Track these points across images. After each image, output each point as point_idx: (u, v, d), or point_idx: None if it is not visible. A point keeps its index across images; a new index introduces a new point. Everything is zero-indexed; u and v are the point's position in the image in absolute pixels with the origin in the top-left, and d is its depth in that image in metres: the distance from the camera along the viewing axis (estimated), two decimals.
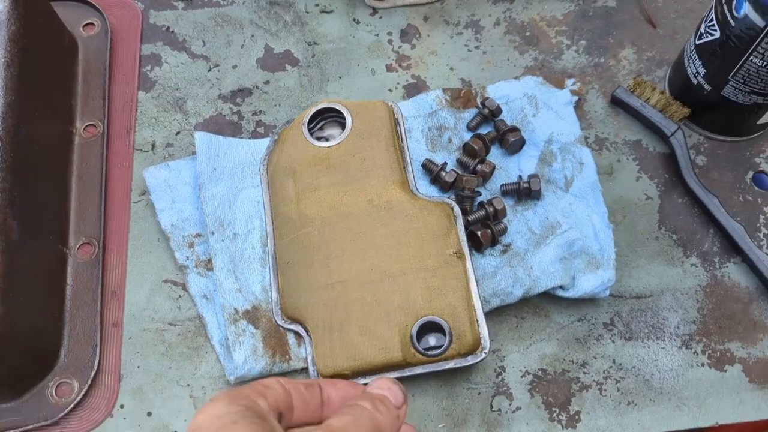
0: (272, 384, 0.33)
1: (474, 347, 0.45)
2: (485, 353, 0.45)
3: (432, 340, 0.45)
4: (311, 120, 0.52)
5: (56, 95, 0.54)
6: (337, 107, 0.51)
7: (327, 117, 0.53)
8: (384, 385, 0.35)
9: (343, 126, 0.51)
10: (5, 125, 0.45)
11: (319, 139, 0.51)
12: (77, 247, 0.50)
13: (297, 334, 0.47)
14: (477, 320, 0.45)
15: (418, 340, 0.45)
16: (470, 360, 0.45)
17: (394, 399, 0.35)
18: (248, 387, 0.32)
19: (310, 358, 0.46)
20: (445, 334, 0.45)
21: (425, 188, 0.52)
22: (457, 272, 0.46)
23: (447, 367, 0.45)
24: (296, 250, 0.48)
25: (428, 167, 0.52)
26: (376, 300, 0.45)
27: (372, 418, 0.33)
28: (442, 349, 0.44)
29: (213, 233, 0.49)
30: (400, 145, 0.51)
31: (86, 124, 0.54)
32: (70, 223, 0.51)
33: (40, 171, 0.49)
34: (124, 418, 0.46)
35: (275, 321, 0.47)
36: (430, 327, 0.45)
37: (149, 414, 0.46)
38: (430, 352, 0.44)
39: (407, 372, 0.45)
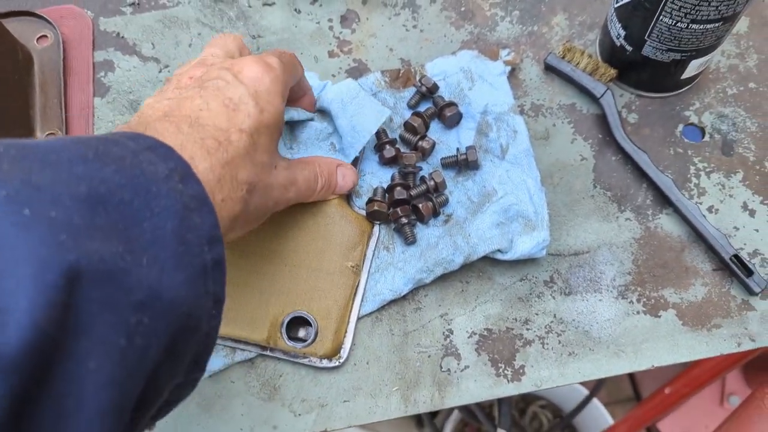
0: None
1: (332, 353, 0.49)
2: (339, 362, 0.49)
3: (302, 332, 0.50)
4: None
5: (15, 108, 0.57)
6: None
7: None
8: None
9: None
10: None
11: None
12: None
13: None
14: (345, 332, 0.50)
15: (292, 328, 0.49)
16: (324, 363, 0.49)
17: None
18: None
19: None
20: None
21: (367, 152, 0.55)
22: (346, 284, 0.50)
23: (301, 361, 0.49)
24: None
25: (378, 135, 0.55)
26: (268, 279, 0.49)
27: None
28: (305, 343, 0.49)
29: None
30: (361, 155, 0.55)
31: (46, 133, 0.57)
32: None
33: None
34: None
35: None
36: (304, 321, 0.49)
37: None
38: (293, 342, 0.49)
39: (268, 352, 0.49)
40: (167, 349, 0.29)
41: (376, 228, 0.52)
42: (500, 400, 1.09)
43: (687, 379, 0.74)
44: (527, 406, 1.41)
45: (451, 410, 1.24)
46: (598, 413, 1.22)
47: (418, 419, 1.27)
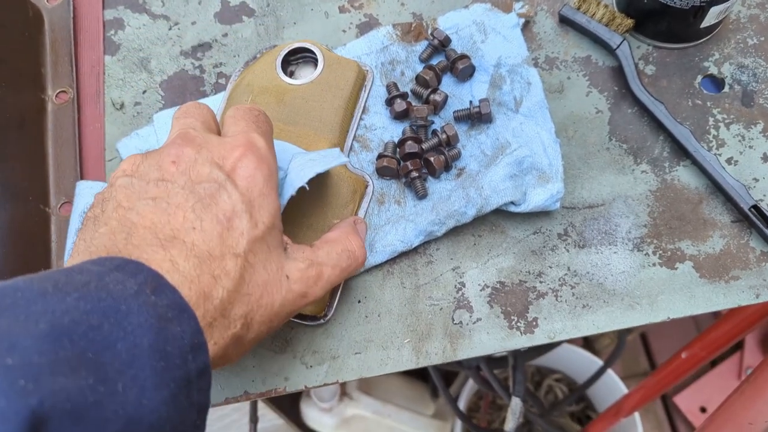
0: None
1: (319, 311, 0.49)
2: (324, 320, 0.49)
3: None
4: (292, 53, 0.54)
5: (26, 66, 0.57)
6: (316, 52, 0.53)
7: (306, 58, 0.55)
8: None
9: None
10: None
11: (291, 74, 0.54)
12: (59, 206, 0.54)
13: None
14: (334, 290, 0.49)
15: None
16: (309, 321, 0.49)
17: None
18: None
19: None
20: None
21: (379, 107, 0.54)
22: None
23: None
24: None
25: (390, 89, 0.54)
26: None
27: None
28: None
29: None
30: (354, 110, 0.53)
31: (58, 90, 0.57)
32: (50, 185, 0.54)
33: (17, 137, 0.52)
34: None
35: None
36: None
37: None
38: None
39: None
40: None
41: (369, 188, 0.52)
42: (515, 369, 1.09)
43: (704, 342, 0.73)
44: (543, 379, 1.41)
45: (465, 380, 1.24)
46: (614, 384, 1.22)
47: (433, 389, 1.27)
